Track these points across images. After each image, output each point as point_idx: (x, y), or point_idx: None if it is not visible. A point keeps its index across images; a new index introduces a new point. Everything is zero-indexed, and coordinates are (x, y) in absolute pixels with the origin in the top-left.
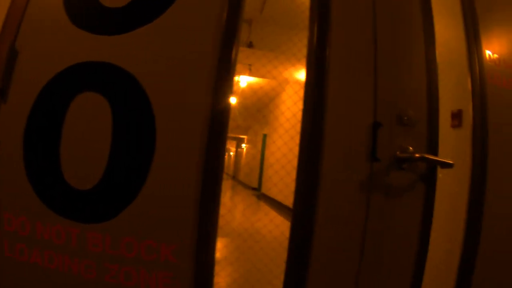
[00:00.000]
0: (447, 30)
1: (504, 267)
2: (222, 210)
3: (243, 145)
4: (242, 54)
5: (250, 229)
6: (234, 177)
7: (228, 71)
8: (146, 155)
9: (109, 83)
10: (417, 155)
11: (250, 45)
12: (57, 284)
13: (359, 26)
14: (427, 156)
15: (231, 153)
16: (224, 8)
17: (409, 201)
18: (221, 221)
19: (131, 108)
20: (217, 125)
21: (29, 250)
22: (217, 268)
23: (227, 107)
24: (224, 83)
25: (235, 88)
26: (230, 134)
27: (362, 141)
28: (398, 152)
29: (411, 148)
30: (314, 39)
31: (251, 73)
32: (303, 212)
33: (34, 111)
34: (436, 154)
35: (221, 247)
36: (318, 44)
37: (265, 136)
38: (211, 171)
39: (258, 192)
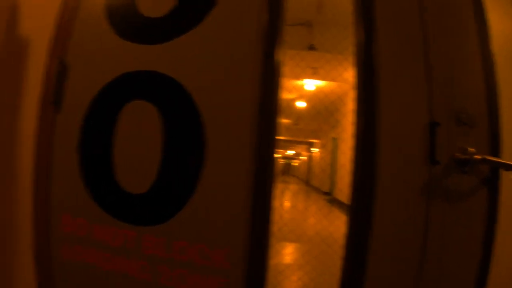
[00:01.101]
0: (501, 20)
1: None
2: (292, 214)
3: (315, 149)
4: (310, 57)
5: (323, 233)
6: (308, 182)
7: (273, 73)
8: (196, 159)
9: (156, 91)
10: (477, 156)
11: (312, 48)
12: (114, 284)
13: (406, 21)
14: (488, 157)
15: (303, 157)
16: (263, 11)
17: (471, 207)
18: (292, 225)
19: (180, 114)
20: (266, 127)
21: (86, 251)
22: (287, 272)
23: (275, 109)
24: (270, 86)
25: (302, 92)
26: (300, 139)
27: (419, 143)
28: (457, 154)
29: (471, 149)
30: (360, 36)
31: (319, 77)
32: (359, 217)
33: (87, 120)
34: (498, 155)
35: (291, 251)
36: (365, 41)
37: (335, 139)
38: (262, 174)
39: (330, 197)
